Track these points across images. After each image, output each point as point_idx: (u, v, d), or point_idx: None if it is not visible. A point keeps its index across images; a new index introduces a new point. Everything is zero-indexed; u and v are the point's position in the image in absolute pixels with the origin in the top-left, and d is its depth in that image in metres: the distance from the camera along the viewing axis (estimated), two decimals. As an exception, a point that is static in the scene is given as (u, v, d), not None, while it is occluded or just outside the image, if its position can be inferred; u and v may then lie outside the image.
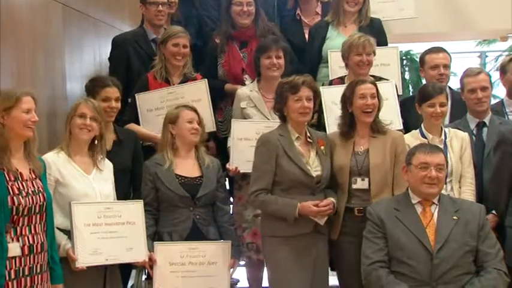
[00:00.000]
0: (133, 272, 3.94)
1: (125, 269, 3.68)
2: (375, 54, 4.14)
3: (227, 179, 4.16)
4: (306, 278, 3.52)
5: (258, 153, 3.62)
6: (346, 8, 4.60)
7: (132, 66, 4.49)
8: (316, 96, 3.68)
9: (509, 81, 4.22)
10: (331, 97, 4.02)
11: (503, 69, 4.30)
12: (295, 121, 3.62)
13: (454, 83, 4.63)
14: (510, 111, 4.20)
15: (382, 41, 4.58)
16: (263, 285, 4.24)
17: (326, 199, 3.52)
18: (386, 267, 3.23)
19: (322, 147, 3.64)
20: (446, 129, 3.81)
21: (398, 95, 4.20)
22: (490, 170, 3.70)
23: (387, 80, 4.13)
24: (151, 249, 3.55)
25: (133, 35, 4.63)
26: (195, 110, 3.77)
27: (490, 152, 3.79)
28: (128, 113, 4.22)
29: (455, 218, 3.26)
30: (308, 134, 3.66)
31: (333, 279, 3.81)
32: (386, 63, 4.43)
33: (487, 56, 10.74)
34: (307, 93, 3.60)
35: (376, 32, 4.57)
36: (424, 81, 4.57)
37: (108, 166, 3.56)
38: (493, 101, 4.50)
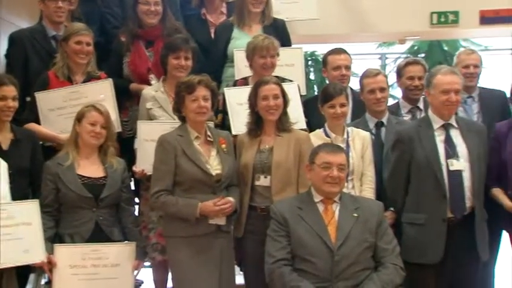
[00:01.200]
0: (32, 277, 3.82)
1: (23, 273, 3.57)
2: (278, 56, 4.20)
3: (133, 179, 4.11)
4: (211, 278, 3.53)
5: (156, 154, 3.61)
6: (251, 8, 4.63)
7: (30, 63, 4.33)
8: (214, 96, 3.69)
9: (405, 84, 4.39)
10: (236, 98, 4.05)
11: (399, 73, 4.47)
12: (193, 121, 3.62)
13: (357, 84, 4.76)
14: (405, 113, 4.36)
15: (286, 42, 4.65)
16: (168, 286, 4.21)
17: (224, 198, 3.54)
18: (289, 265, 3.28)
19: (223, 146, 3.66)
20: (349, 129, 3.91)
21: (301, 96, 4.27)
22: (388, 168, 3.81)
23: (291, 81, 4.19)
24: (50, 251, 3.45)
25: (31, 31, 4.47)
26: (103, 113, 3.68)
27: (388, 151, 3.91)
28: (27, 112, 4.08)
29: (355, 215, 3.35)
30: (208, 133, 3.68)
31: (241, 278, 3.84)
32: (290, 63, 4.48)
33: (387, 58, 11.12)
34: (204, 92, 3.61)
35: (280, 32, 4.62)
36: (327, 82, 4.66)
37: (1, 166, 3.43)
38: (393, 102, 4.68)
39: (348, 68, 4.47)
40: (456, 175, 3.55)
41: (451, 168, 3.55)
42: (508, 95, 4.15)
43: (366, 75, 4.16)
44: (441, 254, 3.52)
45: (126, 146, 4.22)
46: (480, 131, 3.75)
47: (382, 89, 4.06)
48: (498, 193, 3.81)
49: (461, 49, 5.31)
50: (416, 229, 3.59)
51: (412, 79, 4.33)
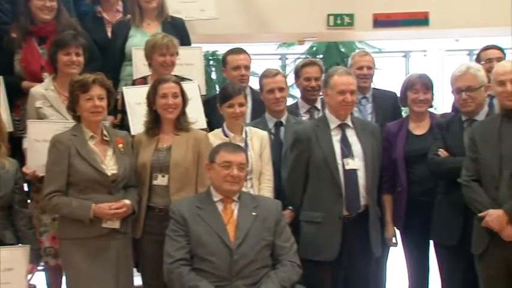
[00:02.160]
0: None
1: None
2: (178, 55, 4.17)
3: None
4: (107, 280, 3.46)
5: (49, 155, 3.51)
6: (144, 4, 4.55)
7: None
8: (111, 95, 3.63)
9: (302, 85, 4.47)
10: (134, 97, 3.99)
11: (296, 74, 4.54)
12: (88, 120, 3.55)
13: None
14: (303, 113, 4.44)
15: (185, 41, 4.62)
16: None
17: (118, 202, 3.48)
18: (188, 265, 3.27)
19: (120, 146, 3.60)
20: (247, 128, 3.93)
21: (201, 95, 4.27)
22: (286, 167, 3.87)
23: (190, 80, 4.18)
24: None
25: None
26: None
27: (287, 150, 3.95)
28: None
29: (254, 214, 3.39)
30: (105, 133, 3.61)
31: (139, 280, 3.79)
32: (190, 63, 4.45)
33: (287, 59, 11.31)
34: (99, 91, 3.54)
35: (180, 31, 4.58)
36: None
37: None
38: (292, 102, 4.75)
39: (247, 68, 4.49)
40: (351, 174, 3.64)
41: (347, 167, 3.63)
42: (399, 96, 4.31)
43: (265, 75, 4.19)
44: (337, 251, 3.60)
45: (17, 145, 4.06)
46: (374, 131, 3.85)
47: (281, 89, 4.11)
48: (386, 204, 4.03)
49: (356, 51, 5.46)
50: (313, 227, 3.65)
51: (309, 80, 4.42)
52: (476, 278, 3.58)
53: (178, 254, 3.28)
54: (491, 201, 3.40)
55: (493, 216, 3.35)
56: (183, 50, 4.28)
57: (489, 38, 10.18)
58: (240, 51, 4.53)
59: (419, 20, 6.90)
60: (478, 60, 4.55)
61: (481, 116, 3.77)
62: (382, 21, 6.81)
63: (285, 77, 4.26)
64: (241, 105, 3.84)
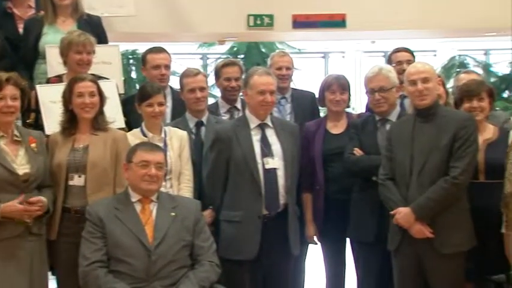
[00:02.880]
0: None
1: None
2: (94, 53, 4.09)
3: None
4: (21, 284, 3.35)
5: None
6: (56, 1, 4.42)
7: None
8: (24, 95, 3.52)
9: (222, 85, 4.47)
10: (49, 96, 3.88)
11: (216, 74, 4.53)
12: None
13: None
14: (224, 112, 4.43)
15: (103, 39, 4.53)
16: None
17: (34, 197, 3.39)
18: (104, 267, 3.22)
19: (33, 145, 3.50)
20: (166, 128, 3.89)
21: (120, 94, 4.20)
22: (207, 167, 3.86)
23: (108, 78, 4.10)
24: None
25: None
26: None
27: (207, 150, 3.95)
28: None
29: (173, 214, 3.36)
30: (16, 133, 3.49)
31: (54, 283, 3.70)
32: (107, 61, 4.36)
33: (208, 58, 11.29)
34: (12, 91, 3.43)
35: (96, 29, 4.49)
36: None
37: None
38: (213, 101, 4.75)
39: (167, 67, 4.45)
40: (271, 173, 3.66)
41: (267, 166, 3.65)
42: (317, 96, 4.38)
43: (186, 74, 4.16)
44: (256, 251, 3.62)
45: None
46: (293, 131, 3.89)
47: (202, 89, 4.09)
48: (306, 202, 4.09)
49: (276, 51, 5.50)
50: (233, 226, 3.65)
51: (229, 80, 4.42)
52: (391, 274, 3.67)
53: (94, 256, 3.22)
54: (402, 199, 3.50)
55: (402, 213, 3.45)
56: (99, 48, 4.19)
57: (405, 40, 10.58)
58: (160, 50, 4.48)
59: (337, 22, 7.05)
60: (389, 62, 4.66)
61: (393, 116, 3.87)
62: (301, 22, 6.91)
63: (206, 76, 4.24)
64: (160, 104, 3.80)
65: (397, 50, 4.72)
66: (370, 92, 3.87)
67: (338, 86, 4.11)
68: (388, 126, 3.84)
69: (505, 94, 9.29)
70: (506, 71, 10.22)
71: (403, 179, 3.52)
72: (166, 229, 3.30)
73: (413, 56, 4.70)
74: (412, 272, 3.51)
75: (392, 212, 3.51)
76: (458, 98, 3.81)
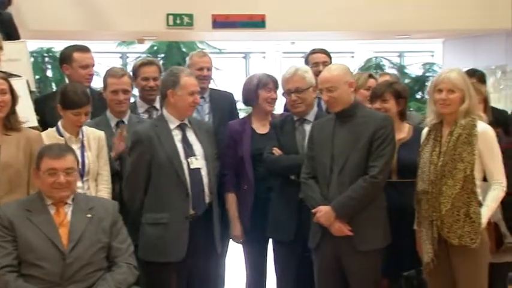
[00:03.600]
0: None
1: None
2: (2, 50, 3.94)
3: None
4: None
5: None
6: None
7: None
8: None
9: (140, 85, 4.40)
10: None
11: (134, 73, 4.46)
12: None
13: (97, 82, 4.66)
14: (142, 112, 4.36)
15: (14, 36, 4.38)
16: None
17: None
18: (15, 272, 3.10)
19: None
20: (84, 128, 3.79)
21: (31, 92, 4.07)
22: (126, 169, 3.75)
23: (19, 76, 3.96)
24: None
25: None
26: None
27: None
28: None
29: (89, 216, 3.28)
30: None
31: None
32: (15, 58, 4.18)
33: (127, 57, 11.15)
34: None
35: (5, 26, 4.35)
36: (66, 80, 4.47)
37: None
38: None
39: (94, 66, 4.38)
40: (196, 173, 3.64)
41: (192, 166, 3.63)
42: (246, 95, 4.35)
43: (111, 74, 4.08)
44: (185, 251, 3.59)
45: None
46: (208, 130, 3.90)
47: (125, 91, 4.01)
48: (231, 202, 4.07)
49: (196, 51, 5.45)
50: (159, 228, 3.58)
51: (147, 80, 4.36)
52: (309, 272, 3.72)
53: (4, 261, 3.09)
54: (323, 198, 3.55)
55: (322, 212, 3.52)
56: (6, 45, 4.02)
57: (324, 41, 10.78)
58: (87, 49, 4.37)
59: (257, 22, 7.11)
60: (306, 63, 4.73)
61: (311, 116, 3.91)
62: (221, 22, 6.93)
63: (130, 77, 4.15)
64: (87, 114, 3.71)
65: (314, 52, 4.78)
66: (287, 93, 3.90)
67: (274, 84, 4.11)
68: (306, 126, 3.88)
69: (418, 95, 9.61)
70: (419, 73, 10.60)
71: (324, 178, 3.57)
72: (82, 231, 3.22)
73: (330, 57, 4.77)
74: (332, 269, 3.57)
75: (313, 211, 3.56)
76: (369, 99, 3.92)
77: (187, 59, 4.77)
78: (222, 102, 4.57)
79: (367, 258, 3.50)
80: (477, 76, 4.67)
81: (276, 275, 4.05)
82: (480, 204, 3.38)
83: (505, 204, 3.53)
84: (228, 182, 4.07)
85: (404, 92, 3.87)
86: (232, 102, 4.63)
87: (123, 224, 3.42)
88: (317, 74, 4.08)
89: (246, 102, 4.22)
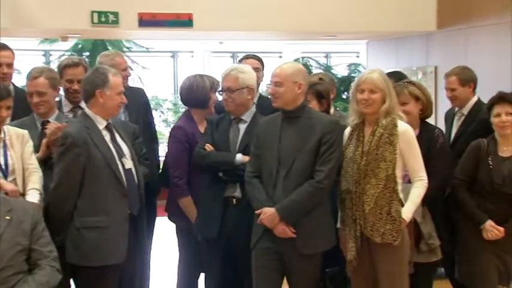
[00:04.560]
0: None
1: None
2: None
3: None
4: None
5: None
6: None
7: None
8: None
9: (65, 86, 4.26)
10: None
11: (59, 73, 4.35)
12: None
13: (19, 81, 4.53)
14: (67, 111, 4.22)
15: None
16: None
17: None
18: None
19: None
20: (5, 128, 3.67)
21: None
22: (57, 172, 3.54)
23: None
24: None
25: None
26: None
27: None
28: None
29: (7, 218, 3.19)
30: None
31: None
32: None
33: (51, 55, 10.87)
34: None
35: None
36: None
37: None
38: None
39: (10, 65, 4.27)
40: (130, 173, 3.60)
41: (126, 167, 3.58)
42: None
43: (27, 76, 3.96)
44: (125, 253, 3.52)
45: None
46: (132, 131, 3.90)
47: (40, 93, 3.86)
48: (188, 205, 4.05)
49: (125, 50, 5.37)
50: (97, 232, 3.48)
51: (72, 82, 4.25)
52: (236, 270, 3.74)
53: None
54: (268, 199, 3.55)
55: (267, 214, 3.51)
56: None
57: (252, 41, 10.87)
58: (2, 47, 4.24)
59: (184, 21, 7.07)
60: None
61: (247, 116, 3.88)
62: (147, 21, 6.86)
63: (47, 79, 3.99)
64: (8, 108, 3.57)
65: (246, 57, 4.82)
66: (221, 90, 3.91)
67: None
68: (241, 126, 3.87)
69: (344, 95, 9.79)
70: (345, 73, 10.81)
71: (270, 178, 3.56)
72: (0, 234, 3.13)
73: (262, 64, 4.80)
74: (272, 267, 3.57)
75: (257, 212, 3.54)
76: None
77: (104, 58, 4.61)
78: (136, 99, 4.55)
79: (309, 261, 3.54)
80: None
81: (204, 272, 4.06)
82: (401, 203, 3.47)
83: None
84: (183, 185, 4.06)
85: (326, 92, 3.93)
86: (145, 98, 4.68)
87: (45, 227, 3.34)
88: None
89: (196, 104, 4.21)
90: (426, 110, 3.88)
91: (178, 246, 4.26)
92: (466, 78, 4.77)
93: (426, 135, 3.83)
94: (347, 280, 3.66)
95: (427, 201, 3.66)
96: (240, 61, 4.79)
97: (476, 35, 7.79)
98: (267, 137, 3.61)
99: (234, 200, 3.79)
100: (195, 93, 4.18)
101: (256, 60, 4.75)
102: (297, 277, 3.57)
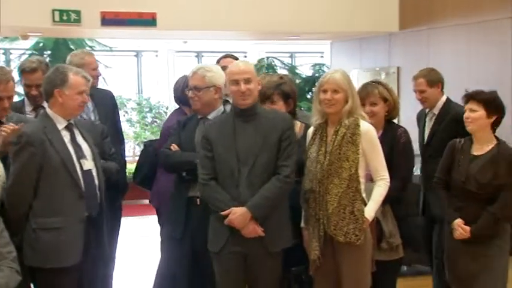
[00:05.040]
0: None
1: None
2: None
3: None
4: None
5: None
6: None
7: None
8: None
9: (24, 90, 4.21)
10: None
11: (19, 74, 4.27)
12: None
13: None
14: (29, 111, 4.18)
15: None
16: None
17: None
18: None
19: None
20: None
21: None
22: (12, 173, 3.48)
23: None
24: None
25: None
26: None
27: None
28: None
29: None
30: None
31: None
32: None
33: (11, 54, 10.69)
34: None
35: None
36: None
37: None
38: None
39: None
40: (89, 174, 3.54)
41: (84, 168, 3.52)
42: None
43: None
44: (81, 254, 3.47)
45: None
46: (100, 130, 3.88)
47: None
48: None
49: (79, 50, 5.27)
50: (52, 234, 3.41)
51: (29, 87, 4.17)
52: (203, 270, 3.73)
53: None
54: (231, 199, 3.50)
55: (237, 213, 3.47)
56: None
57: (216, 41, 10.85)
58: None
59: (147, 21, 7.04)
60: None
61: (213, 116, 3.87)
62: (110, 20, 6.80)
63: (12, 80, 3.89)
64: None
65: (224, 57, 4.83)
66: (189, 88, 3.90)
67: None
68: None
69: (309, 95, 9.83)
70: (310, 73, 10.86)
71: (231, 179, 3.52)
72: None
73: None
74: (235, 271, 3.54)
75: (224, 213, 3.49)
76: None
77: (73, 58, 4.59)
78: (105, 101, 4.59)
79: (274, 258, 3.54)
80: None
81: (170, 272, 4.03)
82: (364, 202, 3.50)
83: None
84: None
85: (292, 92, 3.93)
86: (113, 99, 4.72)
87: (4, 228, 3.27)
88: None
89: (180, 100, 4.28)
90: (392, 111, 3.91)
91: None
92: (433, 79, 4.86)
93: (389, 134, 3.87)
94: (311, 279, 3.67)
95: (389, 199, 3.67)
96: (218, 61, 4.79)
97: (437, 35, 7.92)
98: (220, 137, 3.57)
99: (198, 200, 3.77)
100: (179, 91, 4.24)
101: (234, 60, 4.75)
102: (263, 276, 3.55)
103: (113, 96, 4.64)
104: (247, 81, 3.55)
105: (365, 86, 3.93)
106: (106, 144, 3.93)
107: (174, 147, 3.86)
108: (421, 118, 5.03)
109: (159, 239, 4.23)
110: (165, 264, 4.09)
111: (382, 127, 3.88)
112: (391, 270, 3.87)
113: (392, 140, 3.84)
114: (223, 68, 4.58)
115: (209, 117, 3.88)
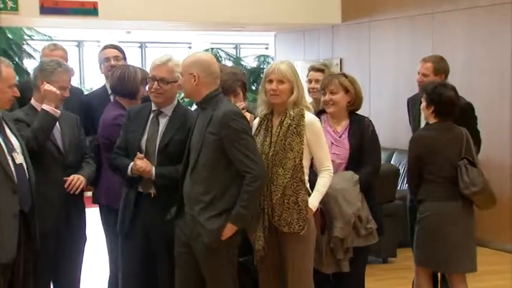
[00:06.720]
0: None
1: None
2: None
3: None
4: None
5: None
6: None
7: None
8: None
9: None
10: None
11: None
12: None
13: None
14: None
15: None
16: None
17: None
18: None
19: None
20: None
21: None
22: None
23: None
24: None
25: None
26: None
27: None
28: None
29: None
30: None
31: None
32: None
33: None
34: None
35: None
36: None
37: None
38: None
39: None
40: (20, 168, 3.44)
41: (17, 162, 3.41)
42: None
43: None
44: (15, 251, 3.35)
45: None
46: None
47: None
48: None
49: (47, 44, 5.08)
50: None
51: None
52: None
53: None
54: None
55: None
56: None
57: (160, 32, 10.72)
58: None
59: (89, 10, 6.92)
60: (99, 60, 4.67)
61: (168, 110, 3.74)
62: (49, 8, 6.66)
63: None
64: None
65: (105, 47, 4.74)
66: (152, 79, 3.71)
67: None
68: (161, 119, 3.74)
69: (254, 86, 9.86)
70: (254, 65, 10.89)
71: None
72: None
73: (123, 53, 4.69)
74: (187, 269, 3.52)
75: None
76: None
77: (44, 51, 4.58)
78: (75, 98, 4.38)
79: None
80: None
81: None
82: (308, 192, 3.53)
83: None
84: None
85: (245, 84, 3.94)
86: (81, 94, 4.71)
87: None
88: (109, 69, 4.29)
89: (125, 94, 4.11)
90: (354, 102, 3.96)
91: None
92: (440, 69, 4.83)
93: (357, 124, 3.94)
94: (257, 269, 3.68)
95: (363, 187, 3.80)
96: (101, 51, 4.70)
97: (379, 28, 8.05)
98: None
99: (152, 194, 3.69)
100: (126, 84, 4.07)
101: (116, 50, 4.67)
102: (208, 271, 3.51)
103: (82, 92, 4.60)
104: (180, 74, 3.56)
105: (327, 76, 3.95)
106: (82, 137, 3.94)
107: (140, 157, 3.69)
108: (416, 102, 4.97)
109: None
110: (122, 263, 4.04)
111: (346, 117, 3.96)
112: (364, 256, 4.01)
113: (361, 129, 3.91)
114: (107, 59, 4.55)
115: (163, 110, 3.73)
